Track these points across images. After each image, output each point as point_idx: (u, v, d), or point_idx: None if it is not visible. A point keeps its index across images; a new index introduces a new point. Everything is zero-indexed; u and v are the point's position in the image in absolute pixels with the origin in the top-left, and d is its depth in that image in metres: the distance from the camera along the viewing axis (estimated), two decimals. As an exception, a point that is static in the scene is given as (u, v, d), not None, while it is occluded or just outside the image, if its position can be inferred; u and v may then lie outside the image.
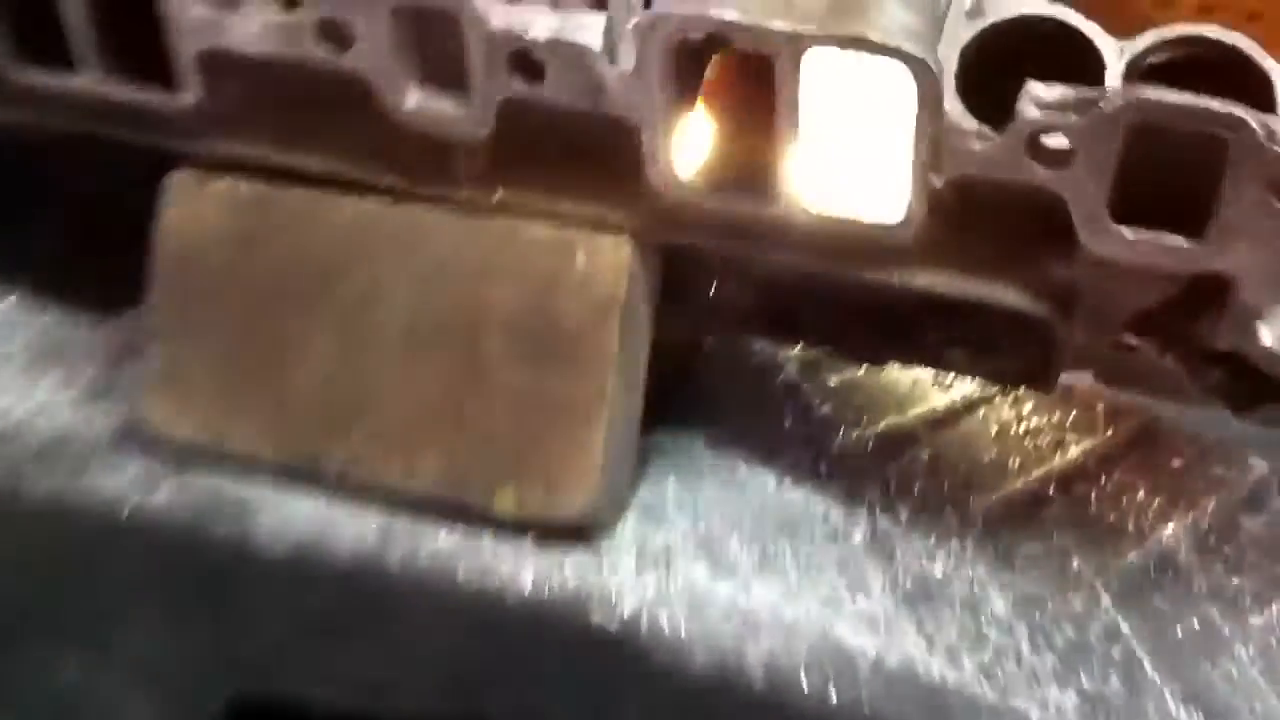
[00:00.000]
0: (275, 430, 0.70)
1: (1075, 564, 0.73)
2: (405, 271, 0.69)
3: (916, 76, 0.55)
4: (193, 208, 0.71)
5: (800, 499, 0.74)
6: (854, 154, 0.60)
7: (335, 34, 0.63)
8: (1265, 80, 0.59)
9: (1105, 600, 0.71)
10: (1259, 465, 0.84)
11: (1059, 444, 0.83)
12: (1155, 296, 0.59)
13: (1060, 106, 0.54)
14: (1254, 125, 0.52)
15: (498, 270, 0.67)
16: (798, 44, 0.56)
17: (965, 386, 0.85)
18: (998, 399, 0.85)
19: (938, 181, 0.58)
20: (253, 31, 0.65)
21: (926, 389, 0.85)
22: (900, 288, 0.63)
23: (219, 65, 0.66)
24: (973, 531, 0.74)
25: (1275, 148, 0.53)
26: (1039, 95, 0.55)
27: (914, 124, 0.56)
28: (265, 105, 0.69)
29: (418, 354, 0.68)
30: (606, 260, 0.66)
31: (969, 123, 0.57)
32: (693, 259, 0.69)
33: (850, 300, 0.69)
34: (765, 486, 0.75)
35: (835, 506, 0.74)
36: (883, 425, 0.81)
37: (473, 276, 0.68)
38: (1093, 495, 0.79)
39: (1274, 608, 0.72)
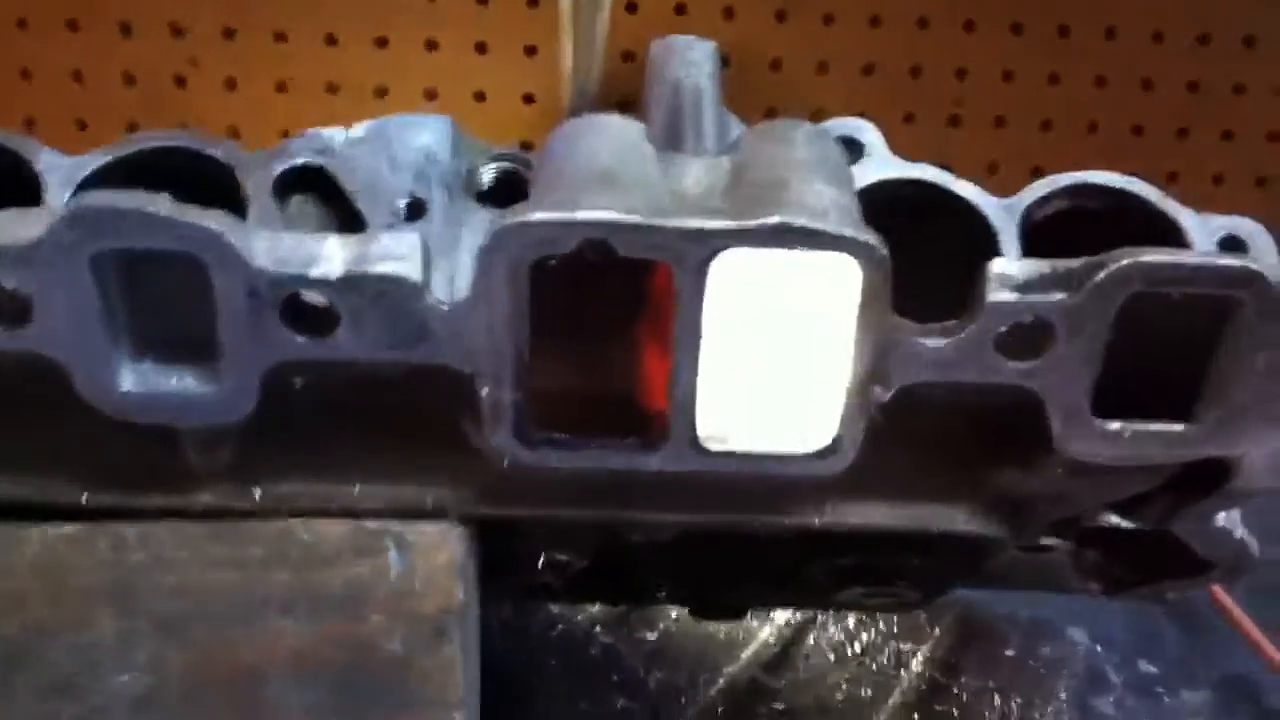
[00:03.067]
0: None
1: (978, 803, 0.64)
2: (128, 618, 0.48)
3: (864, 266, 0.42)
4: None
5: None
6: (751, 373, 0.46)
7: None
8: (1170, 225, 0.52)
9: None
10: (1078, 637, 0.78)
11: (899, 660, 0.72)
12: (1123, 492, 0.50)
13: (1037, 285, 0.43)
14: (1270, 278, 0.42)
15: (271, 593, 0.48)
16: (709, 245, 0.42)
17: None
18: (818, 617, 0.73)
19: (883, 395, 0.45)
20: None
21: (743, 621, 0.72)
22: (810, 528, 0.51)
23: None
24: (867, 793, 0.63)
25: None
26: (1008, 274, 0.44)
27: (850, 326, 0.44)
28: None
29: (165, 731, 0.48)
30: (431, 559, 0.49)
31: (906, 320, 0.45)
32: (516, 527, 0.53)
33: (725, 547, 0.55)
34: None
35: (722, 800, 0.60)
36: (723, 682, 0.67)
37: (235, 609, 0.48)
38: (956, 713, 0.70)
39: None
